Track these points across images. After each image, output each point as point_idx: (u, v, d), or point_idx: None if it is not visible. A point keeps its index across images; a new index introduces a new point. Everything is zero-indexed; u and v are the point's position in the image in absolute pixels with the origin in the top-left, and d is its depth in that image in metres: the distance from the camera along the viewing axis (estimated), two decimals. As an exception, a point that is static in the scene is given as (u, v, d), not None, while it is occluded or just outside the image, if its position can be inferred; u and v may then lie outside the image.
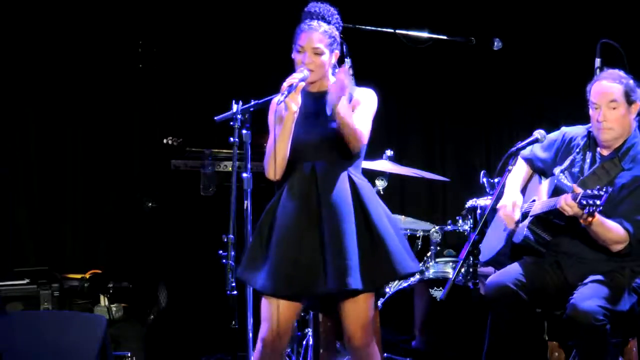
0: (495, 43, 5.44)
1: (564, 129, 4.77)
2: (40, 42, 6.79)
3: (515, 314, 4.53)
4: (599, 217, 4.32)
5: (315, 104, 4.24)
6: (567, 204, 4.30)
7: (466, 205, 5.72)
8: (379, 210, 4.26)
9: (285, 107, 4.14)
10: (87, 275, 6.61)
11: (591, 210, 4.22)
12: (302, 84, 4.14)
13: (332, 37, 4.20)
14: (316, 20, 4.19)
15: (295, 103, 4.13)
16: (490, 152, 7.15)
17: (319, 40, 4.17)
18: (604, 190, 4.19)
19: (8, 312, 5.78)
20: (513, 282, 4.54)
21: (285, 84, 4.10)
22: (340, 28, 4.29)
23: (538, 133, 4.55)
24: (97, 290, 6.54)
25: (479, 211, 5.52)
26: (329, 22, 4.21)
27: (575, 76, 5.09)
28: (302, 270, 4.14)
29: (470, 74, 7.04)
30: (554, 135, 4.76)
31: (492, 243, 4.91)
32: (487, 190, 5.38)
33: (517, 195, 4.76)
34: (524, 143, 4.54)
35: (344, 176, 4.23)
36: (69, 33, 6.82)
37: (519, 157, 4.70)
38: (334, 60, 4.26)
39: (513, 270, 4.61)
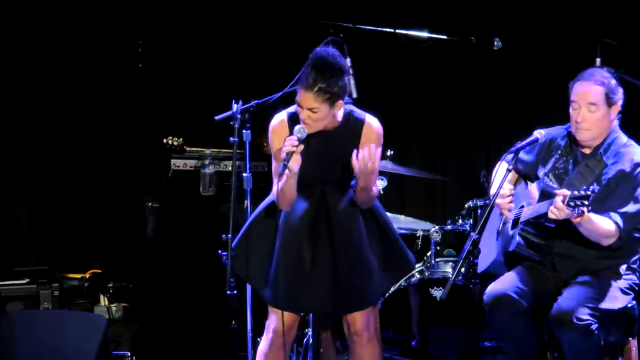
0: (495, 43, 5.44)
1: (540, 131, 4.68)
2: (40, 42, 6.79)
3: (517, 321, 4.51)
4: (588, 214, 4.31)
5: (321, 143, 4.25)
6: (557, 208, 4.28)
7: (466, 205, 5.73)
8: (384, 213, 4.37)
9: (284, 168, 4.12)
10: (87, 275, 6.61)
11: (581, 211, 4.20)
12: (301, 147, 4.12)
13: (329, 93, 4.12)
14: (314, 76, 4.11)
15: (295, 163, 4.13)
16: (490, 152, 7.14)
17: (313, 101, 4.12)
18: (590, 190, 4.18)
19: (8, 312, 5.80)
20: (513, 290, 4.51)
21: (285, 151, 4.10)
22: (345, 70, 4.18)
23: (538, 133, 4.54)
24: (97, 290, 6.54)
25: (479, 211, 5.52)
26: (329, 77, 4.12)
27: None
28: (313, 289, 4.21)
29: (471, 74, 7.03)
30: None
31: (485, 254, 4.89)
32: (487, 190, 5.37)
33: (506, 185, 4.72)
34: (523, 143, 4.52)
35: (350, 199, 4.31)
36: (69, 33, 6.82)
37: (502, 161, 4.70)
38: (337, 109, 4.20)
39: (512, 278, 4.59)
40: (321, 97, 4.11)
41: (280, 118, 4.31)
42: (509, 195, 4.66)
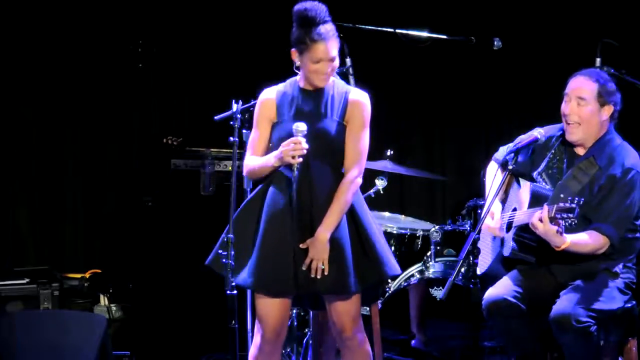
0: (495, 43, 5.45)
1: (540, 130, 4.68)
2: (40, 42, 6.80)
3: (517, 325, 4.50)
4: (570, 241, 4.32)
5: (310, 101, 4.23)
6: (541, 220, 4.27)
7: (466, 205, 5.73)
8: (367, 213, 4.31)
9: (282, 157, 4.11)
10: (87, 275, 6.61)
11: (567, 224, 4.20)
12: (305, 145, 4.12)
13: (337, 38, 4.18)
14: (322, 26, 4.11)
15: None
16: (490, 152, 7.11)
17: (335, 47, 4.14)
18: (575, 201, 4.17)
19: (8, 312, 5.80)
20: (511, 294, 4.50)
21: (297, 154, 4.08)
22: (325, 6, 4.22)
23: (538, 133, 4.54)
24: (97, 290, 6.54)
25: (479, 211, 5.52)
26: (328, 20, 4.15)
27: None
28: (292, 270, 4.16)
29: (471, 74, 7.04)
30: (528, 135, 4.68)
31: (485, 255, 4.88)
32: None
33: (494, 205, 4.71)
34: (523, 143, 4.53)
35: (336, 178, 4.22)
36: (69, 33, 6.82)
37: (492, 161, 4.68)
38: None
39: (509, 282, 4.57)
40: (336, 41, 4.15)
41: (268, 95, 4.30)
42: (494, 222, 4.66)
